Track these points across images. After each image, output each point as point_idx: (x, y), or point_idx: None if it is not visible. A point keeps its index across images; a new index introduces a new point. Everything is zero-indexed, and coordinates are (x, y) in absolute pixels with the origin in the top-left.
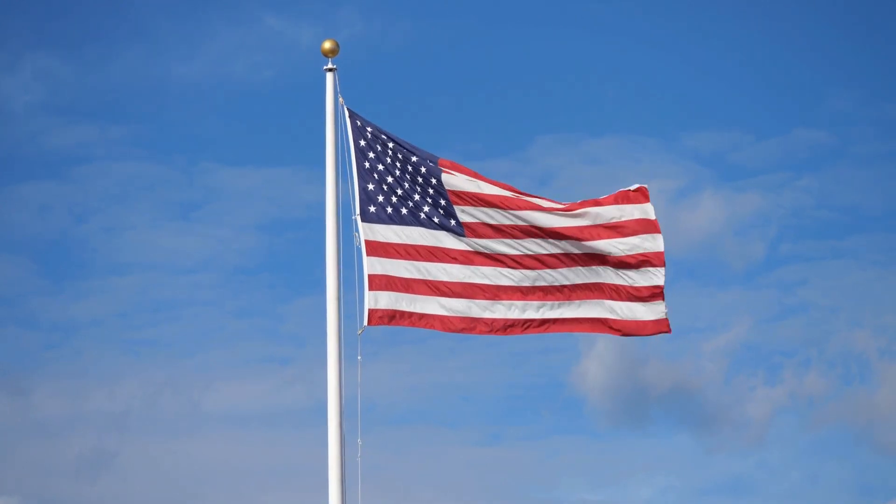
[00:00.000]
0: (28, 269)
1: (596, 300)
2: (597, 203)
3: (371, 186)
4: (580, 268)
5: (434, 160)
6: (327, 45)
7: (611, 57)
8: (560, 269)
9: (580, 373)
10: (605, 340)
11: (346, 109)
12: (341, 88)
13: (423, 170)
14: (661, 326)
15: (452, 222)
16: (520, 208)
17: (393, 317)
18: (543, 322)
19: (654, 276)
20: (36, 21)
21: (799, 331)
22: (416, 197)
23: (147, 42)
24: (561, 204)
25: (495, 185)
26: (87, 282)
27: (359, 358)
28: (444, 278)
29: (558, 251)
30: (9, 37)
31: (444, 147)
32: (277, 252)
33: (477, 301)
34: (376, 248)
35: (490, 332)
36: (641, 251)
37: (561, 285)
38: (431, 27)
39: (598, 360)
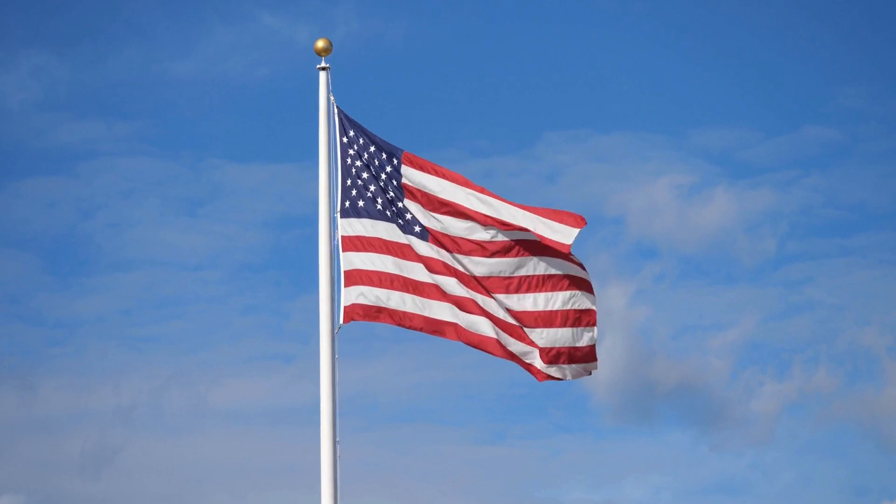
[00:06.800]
0: (33, 265)
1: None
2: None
3: (349, 182)
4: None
5: (399, 155)
6: (320, 43)
7: (619, 53)
8: (499, 295)
9: None
10: (612, 337)
11: (335, 107)
12: (340, 88)
13: (390, 169)
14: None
15: (417, 228)
16: (471, 219)
17: (369, 313)
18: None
19: (588, 334)
20: (31, 19)
21: (806, 328)
22: (391, 195)
23: (143, 40)
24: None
25: (455, 181)
26: (93, 278)
27: (336, 356)
28: (417, 277)
29: (495, 273)
30: (4, 34)
31: (449, 144)
32: (283, 249)
33: (443, 304)
34: (351, 244)
35: (456, 338)
36: (576, 308)
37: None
38: (431, 25)
39: (605, 357)
